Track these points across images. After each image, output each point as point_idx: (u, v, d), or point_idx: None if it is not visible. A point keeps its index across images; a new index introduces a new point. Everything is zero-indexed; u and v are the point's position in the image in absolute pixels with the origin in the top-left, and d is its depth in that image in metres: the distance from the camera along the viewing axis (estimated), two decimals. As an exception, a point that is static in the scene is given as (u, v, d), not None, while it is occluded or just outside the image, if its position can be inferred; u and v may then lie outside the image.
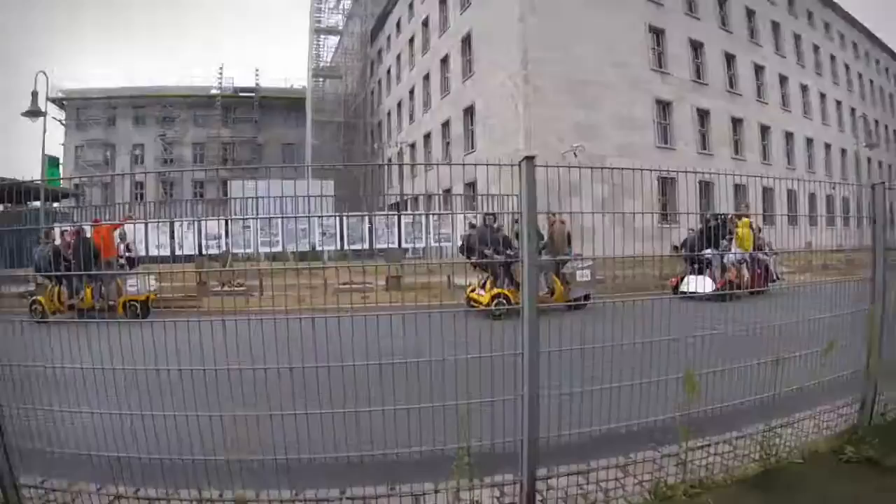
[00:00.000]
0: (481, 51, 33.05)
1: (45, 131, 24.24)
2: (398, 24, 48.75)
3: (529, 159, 3.57)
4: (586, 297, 11.15)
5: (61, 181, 29.49)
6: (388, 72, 51.42)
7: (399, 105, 48.09)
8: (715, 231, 12.12)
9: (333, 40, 57.13)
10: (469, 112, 34.79)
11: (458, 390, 3.64)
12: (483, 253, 12.04)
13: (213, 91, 59.13)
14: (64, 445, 3.74)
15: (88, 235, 11.40)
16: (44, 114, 23.45)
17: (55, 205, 23.29)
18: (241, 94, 59.80)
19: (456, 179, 31.73)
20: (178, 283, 12.33)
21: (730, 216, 14.34)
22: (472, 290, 12.65)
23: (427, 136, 41.30)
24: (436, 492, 4.00)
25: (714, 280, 11.36)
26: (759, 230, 15.40)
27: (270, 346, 3.74)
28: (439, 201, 29.15)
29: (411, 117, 45.11)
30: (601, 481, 4.18)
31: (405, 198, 32.95)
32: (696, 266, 11.37)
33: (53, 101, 45.72)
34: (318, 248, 12.46)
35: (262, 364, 3.71)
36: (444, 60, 38.45)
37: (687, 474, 4.00)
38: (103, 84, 57.10)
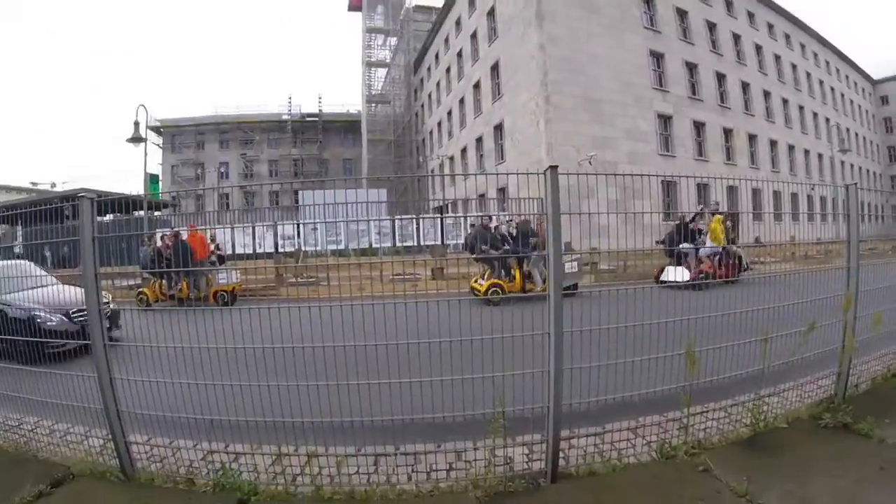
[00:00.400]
0: (508, 76, 32.83)
1: (146, 154, 24.71)
2: (436, 56, 48.62)
3: (553, 168, 3.55)
4: (574, 287, 10.98)
5: (160, 194, 30.14)
6: (430, 96, 51.34)
7: (439, 124, 47.97)
8: (688, 228, 11.90)
9: (382, 72, 57.37)
10: (499, 129, 34.58)
11: (493, 364, 3.64)
12: (481, 249, 12.02)
13: (284, 117, 59.82)
14: (165, 410, 3.83)
15: (184, 238, 11.65)
16: (144, 140, 23.93)
17: (156, 213, 23.81)
18: (307, 119, 60.37)
19: (490, 186, 31.69)
20: (260, 276, 12.55)
21: (694, 214, 13.99)
22: (475, 281, 12.61)
23: (463, 150, 41.16)
24: (475, 449, 4.02)
25: (690, 270, 11.05)
26: (733, 226, 14.84)
27: (337, 328, 3.77)
28: (476, 205, 29.17)
29: (450, 134, 44.97)
30: (615, 441, 4.17)
31: (446, 202, 32.97)
32: (674, 258, 11.14)
33: (152, 128, 46.67)
34: (375, 245, 12.53)
35: (331, 342, 3.75)
36: (477, 85, 38.26)
37: (688, 436, 3.96)
38: (193, 113, 58.28)
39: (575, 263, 11.70)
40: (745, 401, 4.43)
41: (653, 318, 4.00)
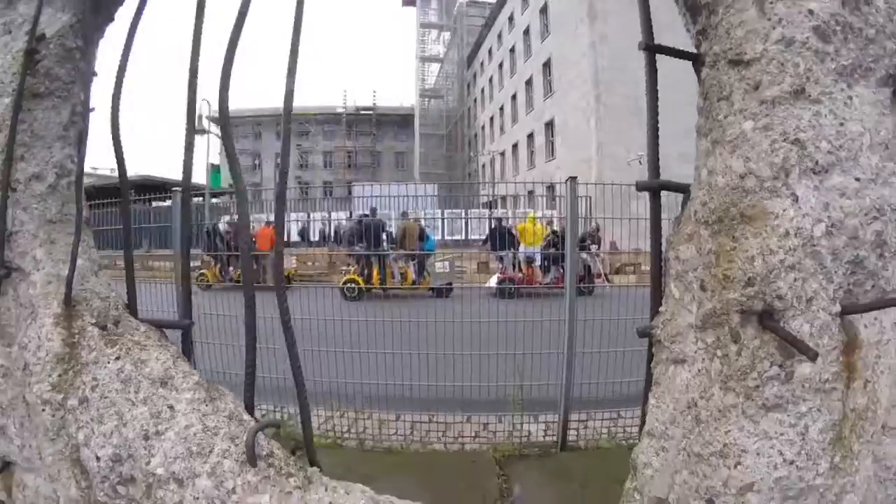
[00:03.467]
0: (559, 73, 32.98)
1: (208, 146, 25.93)
2: (489, 52, 48.97)
3: (572, 179, 4.07)
4: (449, 286, 10.60)
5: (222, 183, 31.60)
6: (482, 92, 51.78)
7: (491, 119, 48.41)
8: (504, 230, 11.27)
9: (436, 66, 58.16)
10: (549, 125, 34.83)
11: (515, 345, 4.20)
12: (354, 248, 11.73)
13: (339, 110, 60.95)
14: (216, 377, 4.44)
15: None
16: (208, 132, 25.17)
17: (214, 200, 25.08)
18: (362, 113, 61.38)
19: (538, 182, 31.95)
20: (311, 262, 13.31)
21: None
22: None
23: (515, 146, 41.56)
24: (499, 422, 4.58)
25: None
26: (598, 230, 12.29)
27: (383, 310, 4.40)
28: (524, 201, 29.46)
29: (502, 129, 45.36)
30: (626, 427, 4.62)
31: (495, 197, 33.35)
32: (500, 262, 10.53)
33: (211, 119, 48.24)
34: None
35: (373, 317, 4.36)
36: (529, 82, 38.55)
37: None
38: (251, 105, 60.04)
39: (447, 264, 11.51)
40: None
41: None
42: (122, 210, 1.23)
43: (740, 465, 0.71)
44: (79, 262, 1.07)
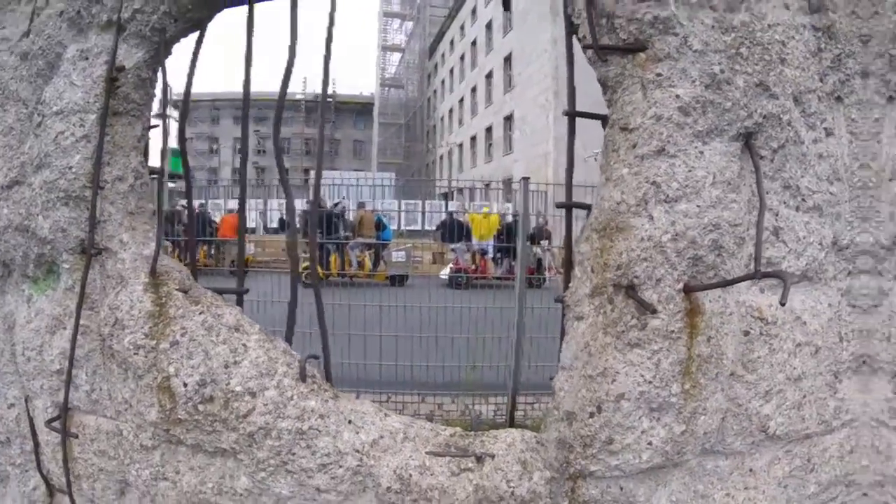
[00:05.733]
0: (520, 68, 33.42)
1: (166, 130, 25.56)
2: (451, 43, 49.31)
3: (525, 179, 4.50)
4: (406, 276, 10.87)
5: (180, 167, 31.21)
6: (443, 83, 52.18)
7: (451, 111, 48.89)
8: (455, 223, 11.88)
9: (397, 56, 58.22)
10: (509, 119, 35.32)
11: (469, 328, 4.62)
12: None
13: (298, 97, 60.28)
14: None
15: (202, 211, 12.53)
16: (167, 116, 24.84)
17: (170, 185, 24.80)
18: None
19: (495, 175, 32.45)
20: (270, 249, 13.49)
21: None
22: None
23: (473, 139, 42.06)
24: (453, 402, 5.00)
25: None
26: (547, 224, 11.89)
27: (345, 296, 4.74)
28: (481, 193, 29.96)
29: (460, 122, 45.86)
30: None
31: (452, 189, 33.76)
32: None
33: (172, 105, 47.25)
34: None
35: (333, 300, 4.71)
36: (489, 76, 39.01)
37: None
38: (208, 89, 59.02)
39: (403, 253, 11.90)
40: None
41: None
42: (188, 207, 1.64)
43: (615, 381, 1.13)
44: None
